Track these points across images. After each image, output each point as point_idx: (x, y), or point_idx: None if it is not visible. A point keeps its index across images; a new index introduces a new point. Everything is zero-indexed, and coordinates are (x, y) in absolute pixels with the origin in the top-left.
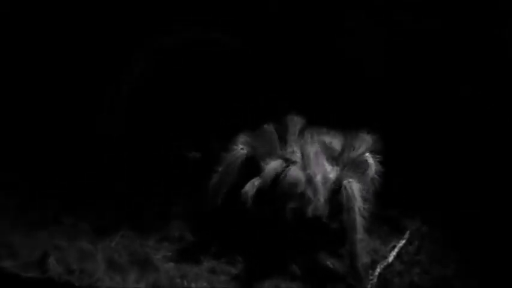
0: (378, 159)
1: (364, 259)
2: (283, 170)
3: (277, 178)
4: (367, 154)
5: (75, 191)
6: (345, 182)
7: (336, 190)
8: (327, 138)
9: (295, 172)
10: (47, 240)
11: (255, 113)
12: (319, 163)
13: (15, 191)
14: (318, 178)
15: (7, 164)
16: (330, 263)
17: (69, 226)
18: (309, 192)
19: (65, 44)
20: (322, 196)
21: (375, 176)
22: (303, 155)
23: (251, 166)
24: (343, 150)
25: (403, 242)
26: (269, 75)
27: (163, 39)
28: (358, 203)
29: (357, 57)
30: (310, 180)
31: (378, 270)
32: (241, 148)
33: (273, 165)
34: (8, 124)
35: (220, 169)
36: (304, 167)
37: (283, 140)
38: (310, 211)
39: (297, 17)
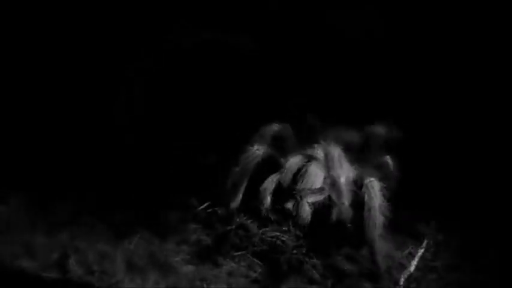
0: (396, 161)
1: (384, 260)
2: (303, 165)
3: (298, 173)
4: (387, 156)
5: (94, 192)
6: (366, 181)
7: (355, 191)
8: (347, 137)
9: (315, 168)
10: (66, 241)
11: (271, 113)
12: (342, 165)
13: (35, 191)
14: (342, 180)
15: (27, 164)
16: (347, 268)
17: (88, 227)
18: (334, 196)
19: (75, 42)
20: (346, 200)
21: (394, 177)
22: (326, 156)
23: (269, 165)
24: (362, 149)
25: (421, 250)
26: (281, 75)
27: (175, 40)
28: (380, 202)
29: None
30: (334, 183)
31: (402, 279)
32: (257, 149)
33: (293, 160)
34: (25, 123)
35: (236, 169)
36: (328, 169)
37: (301, 138)
38: (334, 215)
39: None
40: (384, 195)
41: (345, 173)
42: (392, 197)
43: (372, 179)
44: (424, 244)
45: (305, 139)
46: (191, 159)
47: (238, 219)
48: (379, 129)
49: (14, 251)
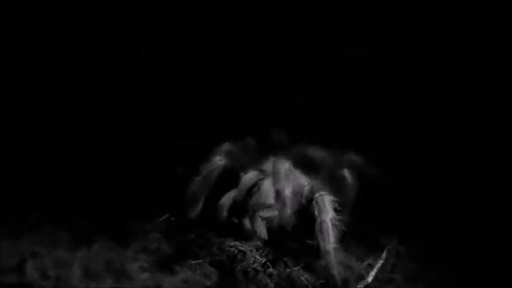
0: (356, 176)
1: (340, 270)
2: (257, 182)
3: (252, 189)
4: (344, 169)
5: (58, 199)
6: (316, 195)
7: (311, 201)
8: (309, 152)
9: (268, 185)
10: (26, 247)
11: (241, 127)
12: (290, 178)
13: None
14: (286, 192)
15: None
16: (304, 278)
17: (49, 234)
18: (277, 205)
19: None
20: (289, 208)
21: (351, 190)
22: (273, 170)
23: (230, 176)
24: (323, 164)
25: (381, 262)
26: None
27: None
28: (331, 215)
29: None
30: (278, 194)
31: None
32: (218, 159)
33: (248, 177)
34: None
35: (197, 179)
36: (274, 182)
37: (264, 153)
38: (275, 222)
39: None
40: (335, 209)
41: (293, 185)
42: (353, 210)
43: (323, 192)
44: (384, 255)
45: (267, 153)
46: (160, 171)
47: (198, 229)
48: (348, 150)
49: None
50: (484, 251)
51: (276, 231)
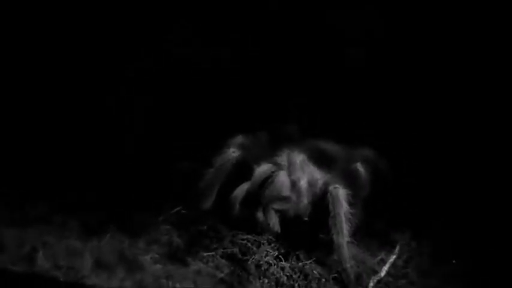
0: (369, 170)
1: (353, 264)
2: (271, 174)
3: (266, 181)
4: (358, 163)
5: (69, 191)
6: (330, 188)
7: (325, 195)
8: (323, 146)
9: (282, 177)
10: (36, 237)
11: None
12: (305, 170)
13: (8, 189)
14: (302, 183)
15: (8, 162)
16: (316, 272)
17: (60, 224)
18: (293, 196)
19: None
20: (305, 198)
21: (365, 185)
22: (289, 161)
23: (243, 168)
24: (337, 158)
25: (393, 257)
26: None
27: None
28: (345, 209)
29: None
30: (294, 185)
31: (371, 284)
32: (232, 151)
33: (262, 169)
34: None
35: (211, 170)
36: (289, 173)
37: (277, 146)
38: (292, 211)
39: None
40: (349, 203)
41: (307, 176)
42: (366, 205)
43: (337, 186)
44: (397, 251)
45: (280, 146)
46: (171, 163)
47: (210, 221)
48: (362, 145)
49: None
50: (493, 247)
51: (290, 223)
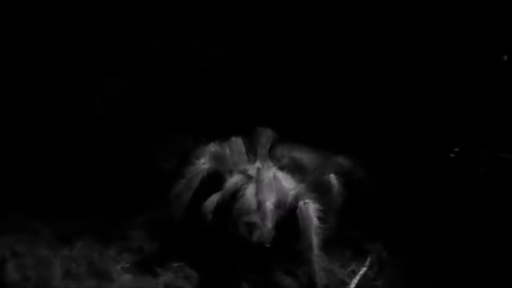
0: (343, 181)
1: (322, 277)
2: (242, 186)
3: (237, 193)
4: (331, 175)
5: (41, 198)
6: (300, 204)
7: (294, 210)
8: (297, 155)
9: (251, 193)
10: (7, 246)
11: (230, 123)
12: (273, 187)
13: None
14: (268, 204)
15: None
16: (286, 283)
17: (31, 232)
18: (258, 218)
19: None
20: (269, 222)
21: (337, 197)
22: (256, 179)
23: (215, 178)
24: (310, 168)
25: (364, 269)
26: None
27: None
28: (315, 224)
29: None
30: (260, 205)
31: None
32: (203, 163)
33: (233, 181)
34: None
35: (182, 181)
36: (256, 192)
37: (252, 154)
38: (255, 237)
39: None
40: (319, 217)
41: (275, 195)
42: (339, 216)
43: (307, 201)
44: (367, 262)
45: (255, 154)
46: (145, 168)
47: (181, 230)
48: (337, 153)
49: None
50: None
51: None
